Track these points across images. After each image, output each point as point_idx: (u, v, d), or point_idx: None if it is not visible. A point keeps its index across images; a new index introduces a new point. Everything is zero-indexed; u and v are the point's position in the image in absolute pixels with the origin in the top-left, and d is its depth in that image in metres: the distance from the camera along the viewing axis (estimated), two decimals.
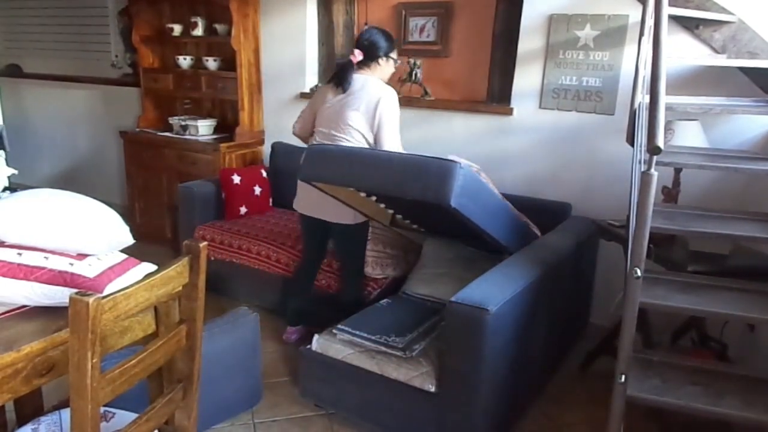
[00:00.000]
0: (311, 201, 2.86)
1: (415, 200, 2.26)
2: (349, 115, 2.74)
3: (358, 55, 2.79)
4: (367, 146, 2.76)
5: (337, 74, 2.85)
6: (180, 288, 1.47)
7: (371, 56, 2.80)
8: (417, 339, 2.45)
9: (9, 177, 2.04)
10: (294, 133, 3.09)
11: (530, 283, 2.35)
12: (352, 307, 2.82)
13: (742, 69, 2.80)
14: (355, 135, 2.75)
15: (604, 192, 3.26)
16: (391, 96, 2.76)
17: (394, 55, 2.87)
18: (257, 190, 3.96)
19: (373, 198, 2.85)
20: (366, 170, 2.34)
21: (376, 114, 2.72)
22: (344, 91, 2.77)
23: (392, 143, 2.75)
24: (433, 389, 2.25)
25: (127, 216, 3.23)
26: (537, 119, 3.40)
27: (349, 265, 3.01)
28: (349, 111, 2.74)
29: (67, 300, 1.16)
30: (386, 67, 2.86)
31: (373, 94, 2.74)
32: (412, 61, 3.76)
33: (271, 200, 4.09)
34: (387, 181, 2.28)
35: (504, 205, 2.63)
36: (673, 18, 2.80)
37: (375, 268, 3.10)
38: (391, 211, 3.05)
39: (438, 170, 2.18)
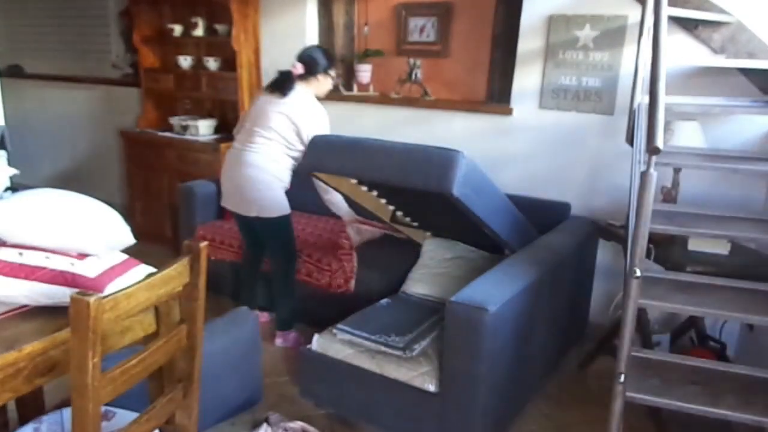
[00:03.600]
0: (233, 198, 3.05)
1: (417, 192, 2.27)
2: (273, 116, 2.92)
3: (299, 68, 2.97)
4: (279, 141, 2.94)
5: (277, 80, 3.00)
6: (180, 288, 1.48)
7: (311, 71, 3.00)
8: (417, 339, 2.45)
9: (10, 177, 2.04)
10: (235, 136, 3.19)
11: (530, 283, 2.36)
12: (285, 295, 3.13)
13: (740, 69, 2.80)
14: (272, 134, 2.92)
15: (603, 192, 3.27)
16: (319, 114, 2.98)
17: (332, 72, 3.08)
18: None
19: (374, 193, 2.86)
20: (369, 160, 2.34)
21: (301, 128, 2.91)
22: (283, 96, 2.94)
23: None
24: (433, 389, 2.25)
25: (127, 216, 3.21)
26: (537, 119, 3.40)
27: (278, 256, 3.14)
28: (274, 114, 2.92)
29: (68, 300, 1.16)
30: (324, 82, 3.07)
31: (304, 109, 2.94)
32: (412, 61, 3.77)
33: None
34: (390, 171, 2.29)
35: (505, 200, 2.64)
36: (672, 18, 2.81)
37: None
38: (391, 208, 3.05)
39: (441, 159, 2.19)
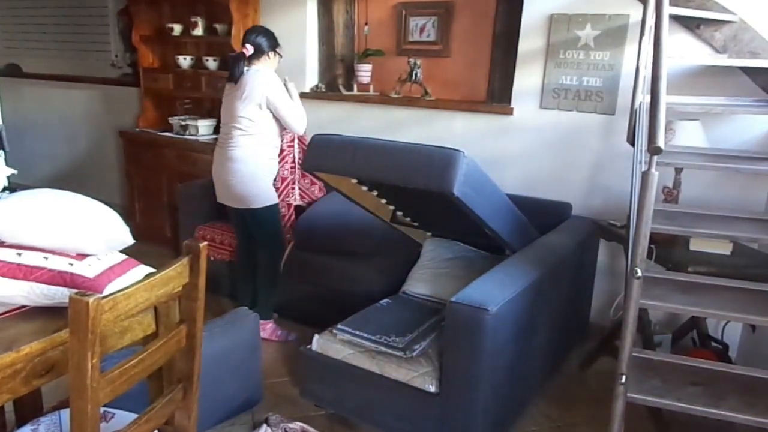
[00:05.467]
0: (223, 191, 3.16)
1: (418, 191, 2.26)
2: (237, 106, 3.02)
3: (249, 50, 3.04)
4: (253, 131, 3.03)
5: (229, 66, 3.11)
6: (180, 288, 1.47)
7: (261, 50, 3.08)
8: (417, 339, 2.44)
9: (8, 177, 2.03)
10: None
11: (530, 283, 2.35)
12: (269, 285, 3.23)
13: (743, 69, 2.80)
14: (244, 123, 3.02)
15: (604, 192, 3.26)
16: (274, 79, 3.07)
17: (279, 50, 3.17)
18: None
19: (375, 192, 2.85)
20: (369, 159, 2.34)
21: (264, 98, 2.99)
22: (235, 82, 3.03)
23: (292, 113, 3.07)
24: (433, 389, 2.24)
25: (127, 216, 3.22)
26: (537, 119, 3.39)
27: (267, 246, 3.22)
28: (237, 102, 3.01)
29: (67, 300, 1.16)
30: (273, 60, 3.16)
31: (260, 82, 3.01)
32: (412, 61, 3.76)
33: None
34: (390, 171, 2.28)
35: (506, 200, 2.63)
36: (674, 18, 2.80)
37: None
38: (391, 208, 3.05)
39: (441, 158, 2.18)
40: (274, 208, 3.15)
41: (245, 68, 3.03)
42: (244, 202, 3.10)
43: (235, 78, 3.03)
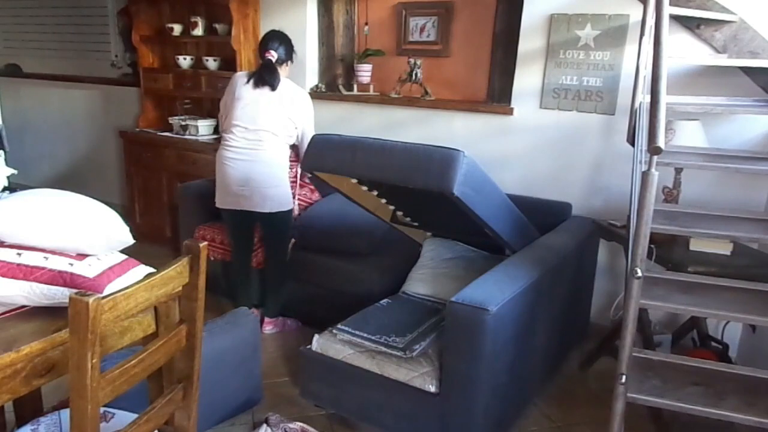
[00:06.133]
0: (239, 196, 3.12)
1: (418, 191, 2.26)
2: (274, 112, 3.03)
3: (274, 56, 3.06)
4: (283, 139, 3.10)
5: (264, 73, 3.05)
6: (180, 288, 1.47)
7: (286, 58, 3.13)
8: (417, 339, 2.44)
9: (8, 177, 2.03)
10: (222, 130, 3.27)
11: (530, 283, 2.35)
12: (283, 284, 3.29)
13: (743, 69, 2.80)
14: (278, 129, 3.05)
15: (604, 192, 3.26)
16: (307, 95, 3.20)
17: (294, 57, 3.24)
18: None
19: (375, 192, 2.85)
20: (370, 159, 2.34)
21: (304, 116, 3.13)
22: (273, 89, 3.03)
23: (312, 134, 3.02)
24: (433, 389, 2.24)
25: (127, 216, 3.22)
26: (537, 119, 3.39)
27: (276, 251, 3.28)
28: (275, 109, 3.03)
29: (67, 300, 1.16)
30: (290, 68, 3.22)
31: (296, 94, 3.10)
32: (412, 61, 3.76)
33: None
34: (390, 170, 2.28)
35: (506, 200, 2.63)
36: (674, 17, 2.80)
37: None
38: (392, 208, 3.05)
39: (441, 158, 2.18)
40: (291, 212, 3.24)
41: (279, 77, 3.05)
42: (268, 205, 3.10)
43: (273, 86, 3.02)
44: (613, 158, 3.18)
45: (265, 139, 3.05)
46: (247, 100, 3.04)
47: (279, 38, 3.12)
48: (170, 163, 4.48)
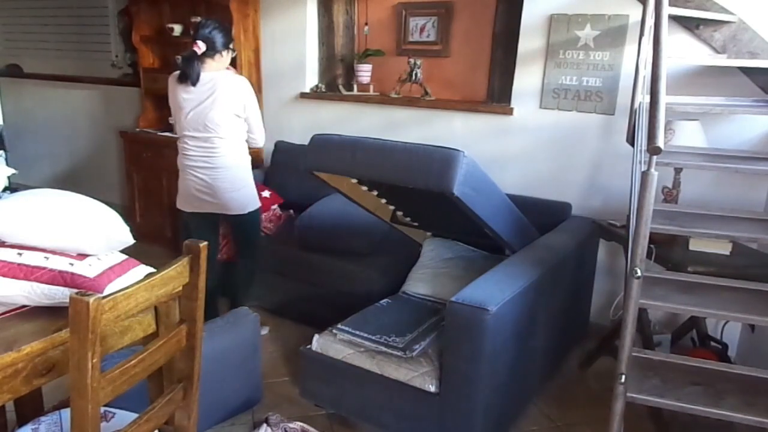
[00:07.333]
0: (200, 200, 2.99)
1: (418, 191, 2.26)
2: (210, 113, 2.80)
3: (201, 47, 2.80)
4: (233, 137, 2.90)
5: (183, 68, 2.81)
6: (180, 288, 1.47)
7: (214, 48, 2.83)
8: (417, 339, 2.44)
9: (9, 177, 2.03)
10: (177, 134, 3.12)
11: (530, 283, 2.35)
12: (251, 284, 3.25)
13: (742, 69, 2.80)
14: (222, 131, 2.85)
15: (604, 192, 3.27)
16: (249, 85, 2.90)
17: (233, 46, 2.96)
18: (264, 193, 3.95)
19: (374, 192, 2.85)
20: (369, 159, 2.34)
21: (242, 105, 2.86)
22: (193, 84, 2.79)
23: (260, 124, 2.98)
24: (433, 389, 2.24)
25: (127, 216, 3.21)
26: (537, 119, 3.39)
27: (251, 247, 3.20)
28: (209, 109, 2.80)
29: (68, 300, 1.16)
30: (226, 58, 2.92)
31: (236, 88, 2.84)
32: (412, 61, 3.76)
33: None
34: (390, 170, 2.28)
35: (506, 200, 2.63)
36: (674, 18, 2.80)
37: None
38: (391, 208, 3.05)
39: (441, 158, 2.18)
40: (259, 210, 3.14)
41: (200, 71, 2.80)
42: (234, 207, 2.97)
43: (192, 80, 2.78)
44: (613, 158, 3.18)
45: (218, 144, 2.87)
46: (187, 107, 2.85)
47: (209, 26, 2.85)
48: (170, 163, 4.45)
